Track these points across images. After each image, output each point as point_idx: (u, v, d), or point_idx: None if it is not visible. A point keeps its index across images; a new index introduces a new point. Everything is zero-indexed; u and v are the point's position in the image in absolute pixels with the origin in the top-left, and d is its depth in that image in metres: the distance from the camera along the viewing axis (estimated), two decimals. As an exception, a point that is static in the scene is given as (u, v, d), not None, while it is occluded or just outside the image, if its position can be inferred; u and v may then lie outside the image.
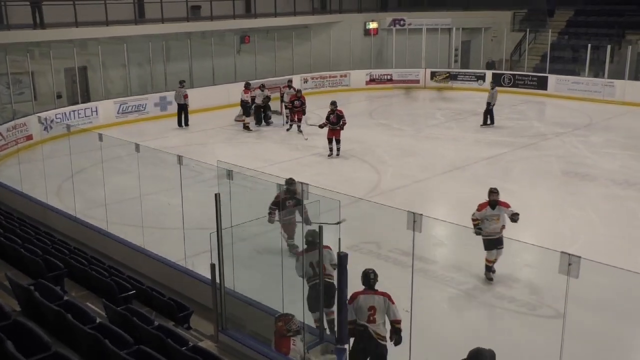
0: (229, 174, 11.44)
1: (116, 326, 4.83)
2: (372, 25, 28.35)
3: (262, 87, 19.85)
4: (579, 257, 4.32)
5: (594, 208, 12.03)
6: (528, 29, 26.37)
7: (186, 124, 19.56)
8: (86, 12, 19.38)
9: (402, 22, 28.15)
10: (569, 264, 4.34)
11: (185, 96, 19.31)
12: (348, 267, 6.04)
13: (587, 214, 11.83)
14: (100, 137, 10.93)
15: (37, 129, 16.22)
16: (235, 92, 20.99)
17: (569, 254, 4.36)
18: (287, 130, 18.55)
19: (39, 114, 15.98)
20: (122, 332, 4.61)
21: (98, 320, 4.91)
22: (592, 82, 23.30)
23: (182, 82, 19.67)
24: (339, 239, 5.93)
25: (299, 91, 18.68)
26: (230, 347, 6.07)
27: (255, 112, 19.57)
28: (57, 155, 12.49)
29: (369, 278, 6.21)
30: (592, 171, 14.27)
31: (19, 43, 18.07)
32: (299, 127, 18.24)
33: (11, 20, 18.46)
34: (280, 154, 16.13)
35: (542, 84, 24.40)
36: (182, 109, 19.46)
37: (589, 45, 23.35)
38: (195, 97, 21.55)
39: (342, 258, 5.94)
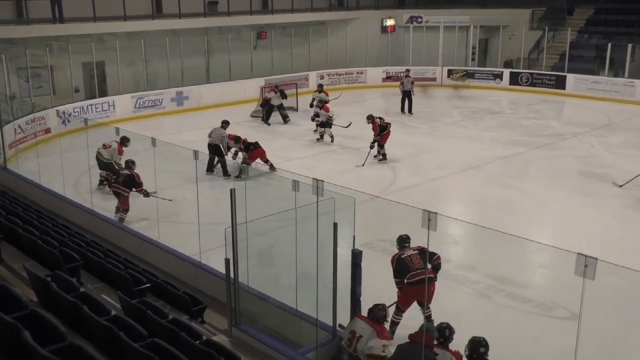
0: (245, 170, 11.47)
1: (131, 319, 4.86)
2: (389, 22, 28.23)
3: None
4: (596, 258, 4.27)
5: (610, 209, 11.90)
6: (547, 27, 26.10)
7: (409, 111, 20.75)
8: (104, 7, 19.52)
9: (419, 20, 27.99)
10: (585, 266, 4.29)
11: (412, 82, 20.93)
12: (362, 264, 6.05)
13: (603, 215, 11.71)
14: (117, 131, 11.01)
15: (55, 122, 16.35)
16: (250, 87, 21.05)
17: (585, 256, 4.31)
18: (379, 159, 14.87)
19: (57, 108, 16.08)
20: (136, 324, 4.65)
21: (113, 312, 4.96)
22: (611, 81, 23.00)
23: (407, 70, 22.01)
24: (354, 236, 5.93)
25: (381, 120, 14.94)
26: (243, 341, 6.11)
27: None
28: (74, 149, 12.59)
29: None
30: (610, 172, 14.10)
31: (39, 37, 18.26)
32: (381, 155, 14.92)
33: (31, 15, 18.67)
34: (295, 151, 16.12)
35: (560, 83, 24.13)
36: (407, 95, 20.76)
37: (609, 44, 23.06)
38: (211, 92, 21.69)
39: (357, 255, 5.94)
